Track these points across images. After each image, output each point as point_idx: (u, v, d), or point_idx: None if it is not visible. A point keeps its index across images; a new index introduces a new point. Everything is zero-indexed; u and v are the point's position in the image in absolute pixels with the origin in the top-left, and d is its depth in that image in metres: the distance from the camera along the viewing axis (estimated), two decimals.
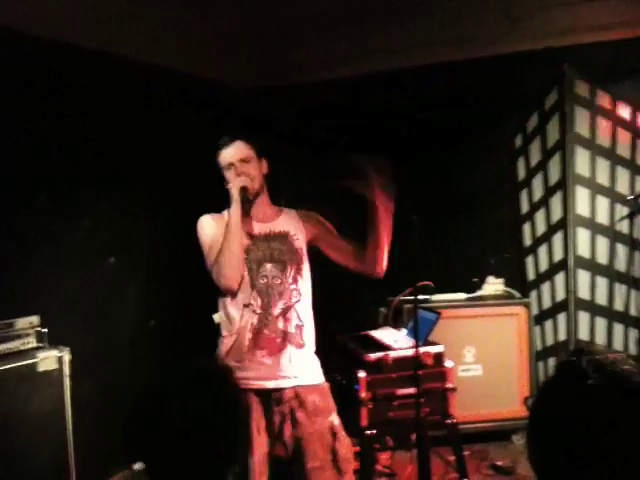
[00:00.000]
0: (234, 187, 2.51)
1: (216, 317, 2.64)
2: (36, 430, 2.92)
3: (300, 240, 2.64)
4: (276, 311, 2.55)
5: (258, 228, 2.62)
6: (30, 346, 3.04)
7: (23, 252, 3.39)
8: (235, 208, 2.49)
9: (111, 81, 3.79)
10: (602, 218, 4.33)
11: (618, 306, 4.35)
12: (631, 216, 4.27)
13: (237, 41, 4.54)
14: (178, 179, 4.13)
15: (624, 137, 4.34)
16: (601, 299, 4.34)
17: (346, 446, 2.56)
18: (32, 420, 2.91)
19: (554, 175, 4.39)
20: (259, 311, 2.54)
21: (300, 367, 2.56)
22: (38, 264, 3.46)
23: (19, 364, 2.90)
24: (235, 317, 2.55)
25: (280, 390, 2.52)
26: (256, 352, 2.52)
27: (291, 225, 2.66)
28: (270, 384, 2.52)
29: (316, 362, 2.66)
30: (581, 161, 4.29)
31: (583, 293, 4.30)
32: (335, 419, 2.58)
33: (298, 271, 2.60)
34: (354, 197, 4.70)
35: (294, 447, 2.51)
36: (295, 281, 2.60)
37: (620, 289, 4.35)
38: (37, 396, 2.95)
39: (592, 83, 4.30)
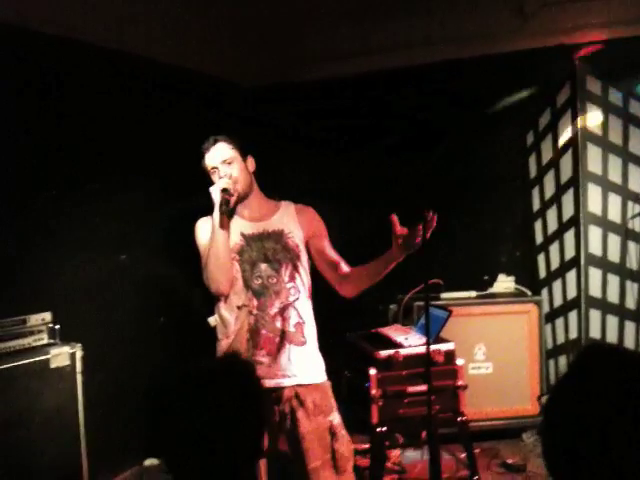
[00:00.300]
0: (214, 191, 2.49)
1: (212, 320, 2.62)
2: (48, 426, 2.94)
3: (296, 237, 2.60)
4: (273, 310, 2.52)
5: (251, 228, 2.59)
6: (42, 342, 3.06)
7: (34, 250, 3.41)
8: (217, 212, 2.47)
9: (113, 78, 3.78)
10: (614, 216, 4.31)
11: (630, 304, 4.34)
12: None
13: (238, 39, 4.56)
14: (183, 176, 4.11)
15: (636, 134, 4.32)
16: (612, 297, 4.32)
17: (345, 444, 2.55)
18: (44, 416, 2.92)
19: (566, 172, 4.37)
20: (255, 312, 2.52)
21: (300, 365, 2.55)
22: (49, 261, 3.48)
23: (32, 360, 2.92)
24: (229, 320, 2.54)
25: (280, 389, 2.51)
26: (255, 352, 2.51)
27: (286, 223, 2.63)
28: (270, 383, 2.49)
29: (318, 360, 2.64)
30: (593, 158, 4.27)
31: (594, 291, 4.28)
32: (335, 418, 2.57)
33: (295, 269, 2.57)
34: (352, 198, 4.72)
35: (294, 446, 2.50)
36: (292, 279, 2.57)
37: (632, 287, 4.33)
38: (49, 392, 2.97)
39: (604, 80, 4.27)
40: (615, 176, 4.30)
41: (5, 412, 2.76)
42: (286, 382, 2.52)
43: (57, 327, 3.10)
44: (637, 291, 4.33)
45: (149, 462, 4.05)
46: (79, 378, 3.09)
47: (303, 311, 2.58)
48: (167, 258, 4.18)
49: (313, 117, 4.94)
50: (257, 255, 2.55)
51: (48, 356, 2.98)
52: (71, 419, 3.05)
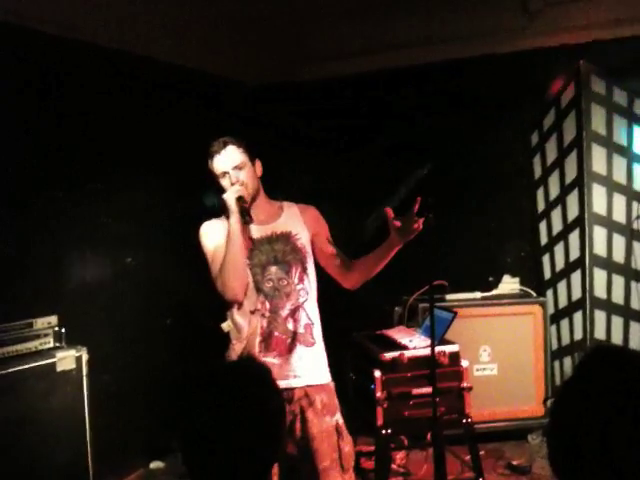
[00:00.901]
0: (230, 199, 2.46)
1: (225, 326, 2.62)
2: (55, 429, 2.94)
3: (303, 238, 2.61)
4: (284, 312, 2.54)
5: (259, 231, 2.58)
6: (48, 346, 3.07)
7: (39, 253, 3.41)
8: (234, 220, 2.45)
9: (113, 78, 3.79)
10: (619, 216, 4.29)
11: (635, 305, 4.32)
12: None
13: (239, 38, 4.56)
14: (185, 175, 4.11)
15: None
16: (617, 298, 4.31)
17: (349, 443, 2.57)
18: (51, 419, 2.93)
19: (570, 173, 4.36)
20: (268, 314, 2.53)
21: (310, 366, 2.56)
22: (54, 264, 3.49)
23: (38, 364, 2.92)
24: (243, 324, 2.54)
25: (290, 390, 2.52)
26: (267, 354, 2.52)
27: (293, 224, 2.63)
28: (281, 384, 2.50)
29: (325, 360, 2.65)
30: (597, 159, 4.26)
31: (599, 292, 4.27)
32: (340, 418, 2.59)
33: (304, 270, 2.59)
34: (352, 198, 4.72)
35: (304, 446, 2.51)
36: (301, 280, 2.58)
37: (637, 287, 4.32)
38: (55, 395, 2.97)
39: (608, 80, 4.26)
40: (620, 176, 4.29)
41: (12, 415, 2.77)
42: (296, 382, 2.53)
43: (63, 331, 3.11)
44: None
45: (155, 465, 4.05)
46: (85, 381, 3.09)
47: (311, 312, 2.60)
48: (171, 259, 4.19)
49: (314, 117, 4.95)
50: (267, 258, 2.55)
51: (54, 359, 2.99)
52: (77, 422, 3.05)
